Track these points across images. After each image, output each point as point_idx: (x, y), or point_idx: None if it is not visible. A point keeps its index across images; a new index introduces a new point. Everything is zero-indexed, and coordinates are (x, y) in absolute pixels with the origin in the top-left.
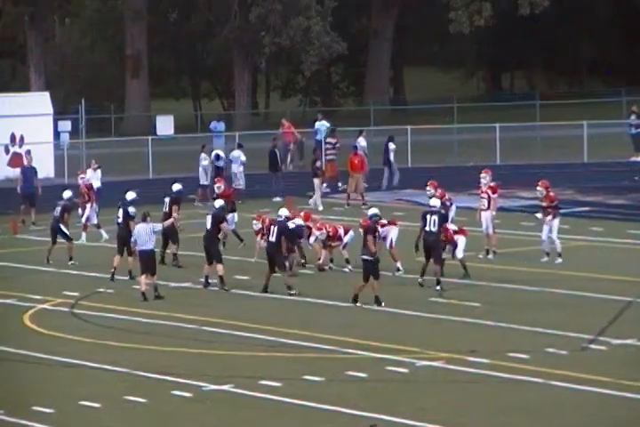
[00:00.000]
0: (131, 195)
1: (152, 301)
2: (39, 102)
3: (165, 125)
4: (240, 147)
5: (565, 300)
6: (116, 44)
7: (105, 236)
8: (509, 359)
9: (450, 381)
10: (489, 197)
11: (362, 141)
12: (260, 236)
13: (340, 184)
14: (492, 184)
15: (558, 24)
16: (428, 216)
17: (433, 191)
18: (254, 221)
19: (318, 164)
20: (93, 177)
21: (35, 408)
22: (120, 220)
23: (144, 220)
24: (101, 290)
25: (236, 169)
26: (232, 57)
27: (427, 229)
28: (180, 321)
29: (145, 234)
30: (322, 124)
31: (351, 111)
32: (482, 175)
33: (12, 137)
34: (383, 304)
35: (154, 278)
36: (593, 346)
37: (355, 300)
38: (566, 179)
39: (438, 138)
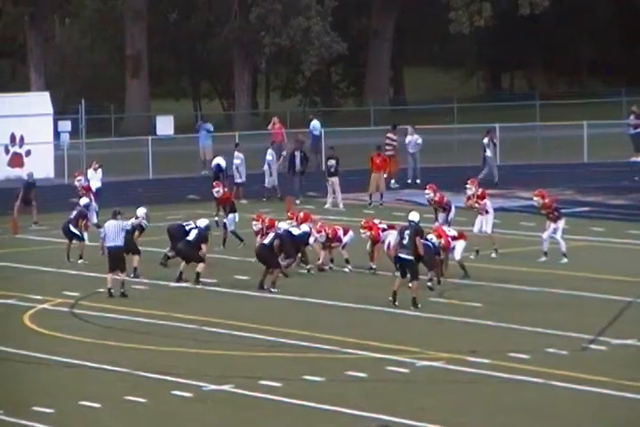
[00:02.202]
0: (141, 210)
1: (148, 301)
2: (39, 102)
3: (165, 125)
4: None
5: (565, 300)
6: (116, 44)
7: None
8: (510, 359)
9: (450, 381)
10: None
11: (410, 138)
12: (259, 236)
13: (393, 181)
14: (478, 193)
15: (558, 24)
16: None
17: (432, 195)
18: (254, 222)
19: (331, 162)
20: (94, 177)
21: (35, 408)
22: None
23: (114, 217)
24: (101, 290)
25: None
26: (232, 57)
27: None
28: (180, 321)
29: (114, 231)
30: (316, 123)
31: (351, 111)
32: (467, 186)
33: (12, 137)
34: (419, 306)
35: (123, 275)
36: (593, 346)
37: (394, 299)
38: (566, 179)
39: (438, 138)
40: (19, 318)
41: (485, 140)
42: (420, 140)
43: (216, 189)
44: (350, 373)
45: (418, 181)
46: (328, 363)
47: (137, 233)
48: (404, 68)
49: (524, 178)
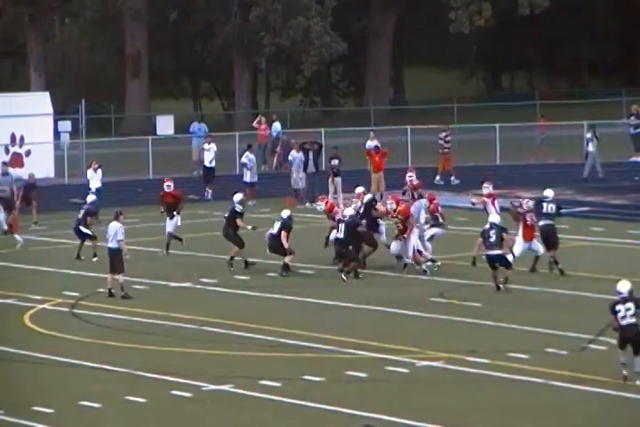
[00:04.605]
0: (237, 196)
1: (151, 301)
2: (39, 102)
3: (165, 125)
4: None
5: (565, 300)
6: (116, 44)
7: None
8: (509, 359)
9: (449, 381)
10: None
11: (370, 143)
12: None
13: (452, 178)
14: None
15: (558, 24)
16: (544, 204)
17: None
18: (319, 203)
19: (334, 162)
20: (94, 177)
21: (35, 408)
22: (227, 214)
23: (116, 218)
24: (101, 290)
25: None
26: (232, 57)
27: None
28: (180, 321)
29: (113, 233)
30: (277, 124)
31: (351, 111)
32: (484, 185)
33: (12, 137)
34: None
35: (121, 277)
36: (593, 346)
37: (498, 287)
38: (566, 179)
39: (438, 138)
40: (19, 318)
41: (589, 135)
42: (378, 145)
43: (167, 184)
44: (350, 373)
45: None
46: (328, 363)
47: (239, 220)
48: (404, 68)
49: (523, 178)
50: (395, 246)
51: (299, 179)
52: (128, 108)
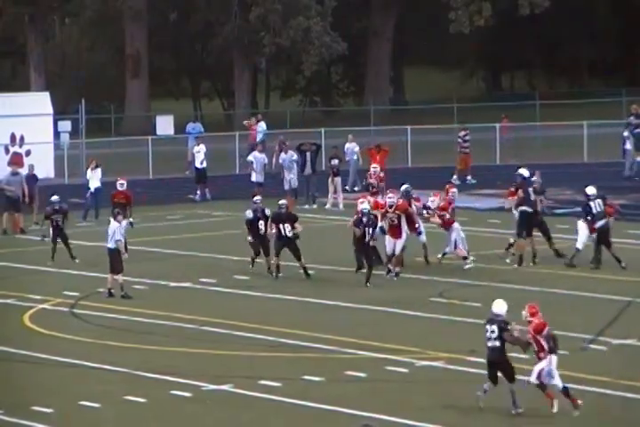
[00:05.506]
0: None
1: (148, 300)
2: (39, 102)
3: (165, 125)
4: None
5: (565, 300)
6: (116, 44)
7: None
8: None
9: (449, 381)
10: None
11: (348, 145)
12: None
13: (469, 177)
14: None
15: (558, 24)
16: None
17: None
18: (360, 200)
19: (334, 162)
20: (93, 177)
21: (35, 408)
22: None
23: (115, 218)
24: (101, 290)
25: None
26: (232, 57)
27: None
28: (180, 321)
29: (112, 233)
30: (262, 124)
31: (351, 111)
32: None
33: (12, 137)
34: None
35: (120, 276)
36: (593, 346)
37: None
38: (566, 179)
39: (438, 138)
40: (19, 318)
41: (626, 133)
42: (357, 149)
43: (120, 182)
44: (350, 373)
45: (356, 188)
46: (328, 363)
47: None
48: (404, 68)
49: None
50: (389, 246)
51: (290, 179)
52: (128, 108)
